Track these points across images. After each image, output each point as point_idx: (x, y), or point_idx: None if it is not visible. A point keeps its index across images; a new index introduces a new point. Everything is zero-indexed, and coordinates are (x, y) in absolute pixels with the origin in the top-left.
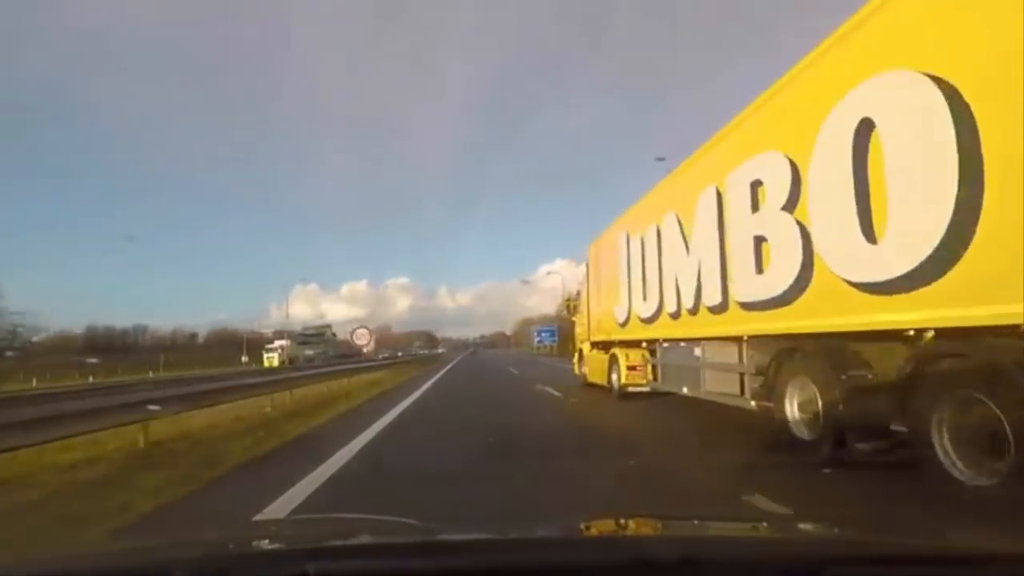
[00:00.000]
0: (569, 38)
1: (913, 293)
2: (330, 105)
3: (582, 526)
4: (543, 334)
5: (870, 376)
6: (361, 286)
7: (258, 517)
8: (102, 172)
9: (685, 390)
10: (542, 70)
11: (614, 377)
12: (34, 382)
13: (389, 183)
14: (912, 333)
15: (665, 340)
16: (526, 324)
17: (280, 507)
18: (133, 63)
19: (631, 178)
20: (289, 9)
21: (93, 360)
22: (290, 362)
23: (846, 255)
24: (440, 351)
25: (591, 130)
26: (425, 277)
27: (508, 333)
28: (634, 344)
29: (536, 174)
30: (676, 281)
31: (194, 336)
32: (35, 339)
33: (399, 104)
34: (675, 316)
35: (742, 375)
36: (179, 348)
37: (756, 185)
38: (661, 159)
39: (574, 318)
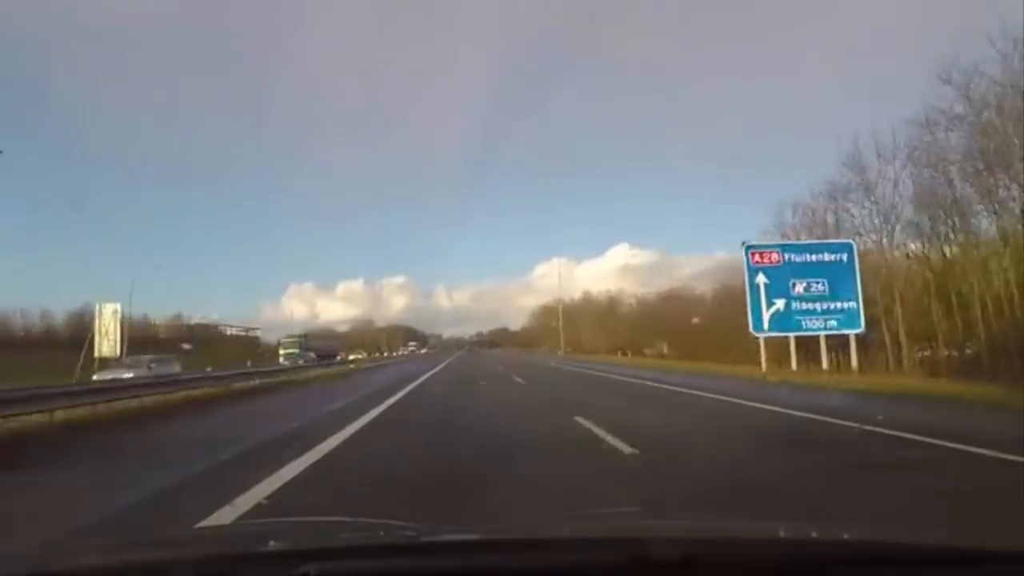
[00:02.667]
0: (566, 32)
1: None
2: (328, 101)
3: (582, 526)
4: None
5: None
6: (357, 285)
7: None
8: (88, 160)
9: None
10: (542, 66)
11: None
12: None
13: (387, 182)
14: None
15: None
16: (554, 313)
17: None
18: (110, 43)
19: (629, 177)
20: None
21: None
22: None
23: None
24: (404, 352)
25: (590, 129)
26: (422, 276)
27: (514, 329)
28: None
29: (535, 173)
30: None
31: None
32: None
33: (398, 101)
34: None
35: None
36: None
37: None
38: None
39: None
